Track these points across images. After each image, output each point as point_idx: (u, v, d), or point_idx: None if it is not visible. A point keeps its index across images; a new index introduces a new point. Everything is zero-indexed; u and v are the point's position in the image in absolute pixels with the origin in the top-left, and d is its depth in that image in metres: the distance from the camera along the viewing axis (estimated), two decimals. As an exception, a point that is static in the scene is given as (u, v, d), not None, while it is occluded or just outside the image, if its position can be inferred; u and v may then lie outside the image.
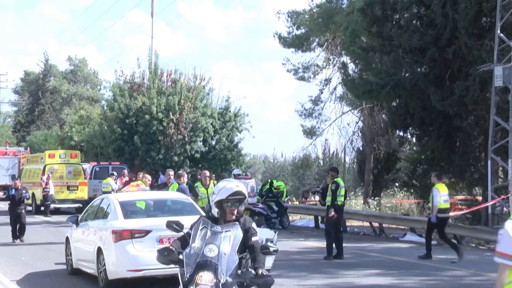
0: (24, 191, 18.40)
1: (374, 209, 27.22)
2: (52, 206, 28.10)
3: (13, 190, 18.27)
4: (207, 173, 16.53)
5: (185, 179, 15.31)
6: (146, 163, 29.98)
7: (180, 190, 14.28)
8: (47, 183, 27.70)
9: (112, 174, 22.31)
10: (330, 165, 35.73)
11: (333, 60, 33.96)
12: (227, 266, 5.07)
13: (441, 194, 14.42)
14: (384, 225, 20.92)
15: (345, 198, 15.51)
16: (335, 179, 14.76)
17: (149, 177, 16.42)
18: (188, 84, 32.03)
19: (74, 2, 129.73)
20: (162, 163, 29.43)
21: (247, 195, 5.41)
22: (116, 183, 21.54)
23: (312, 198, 35.28)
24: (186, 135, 30.20)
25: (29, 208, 26.83)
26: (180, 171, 17.07)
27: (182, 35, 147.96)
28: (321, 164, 50.67)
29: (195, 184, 16.76)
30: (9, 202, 18.48)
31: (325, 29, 30.93)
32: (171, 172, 16.08)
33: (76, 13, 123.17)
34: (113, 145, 31.37)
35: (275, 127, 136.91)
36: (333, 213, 14.33)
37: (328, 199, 14.56)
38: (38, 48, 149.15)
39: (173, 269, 10.41)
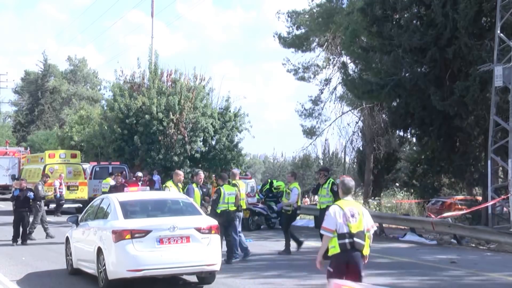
0: (29, 192, 18.02)
1: (374, 209, 27.20)
2: (52, 206, 28.08)
3: (18, 191, 17.98)
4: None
5: (197, 178, 14.71)
6: (146, 163, 29.97)
7: (186, 190, 14.24)
8: (60, 184, 27.78)
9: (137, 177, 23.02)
10: (330, 165, 35.76)
11: (333, 60, 33.92)
12: None
13: (298, 193, 15.72)
14: (384, 225, 20.92)
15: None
16: (332, 179, 14.82)
17: (180, 173, 15.14)
18: (188, 84, 32.01)
19: (74, 2, 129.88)
20: (162, 163, 29.45)
21: None
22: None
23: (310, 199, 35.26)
24: (186, 135, 30.18)
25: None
26: (197, 170, 16.53)
27: (182, 35, 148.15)
28: (321, 164, 50.65)
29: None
30: (13, 203, 18.19)
31: (325, 29, 30.90)
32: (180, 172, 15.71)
33: (76, 13, 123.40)
34: (113, 145, 31.36)
35: (275, 127, 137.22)
36: None
37: (328, 199, 14.48)
38: (38, 48, 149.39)
39: (173, 269, 10.55)
